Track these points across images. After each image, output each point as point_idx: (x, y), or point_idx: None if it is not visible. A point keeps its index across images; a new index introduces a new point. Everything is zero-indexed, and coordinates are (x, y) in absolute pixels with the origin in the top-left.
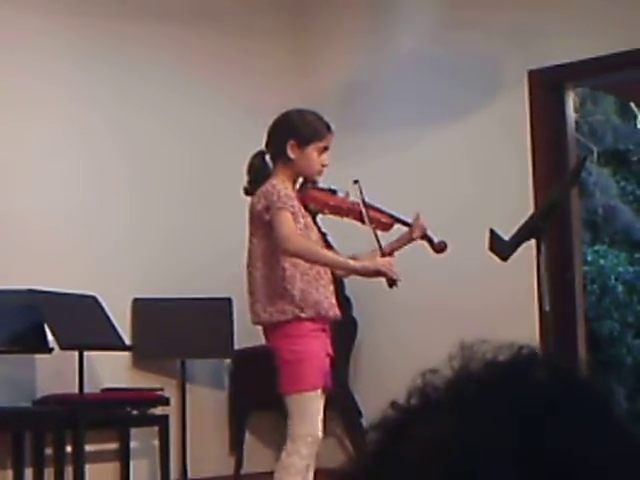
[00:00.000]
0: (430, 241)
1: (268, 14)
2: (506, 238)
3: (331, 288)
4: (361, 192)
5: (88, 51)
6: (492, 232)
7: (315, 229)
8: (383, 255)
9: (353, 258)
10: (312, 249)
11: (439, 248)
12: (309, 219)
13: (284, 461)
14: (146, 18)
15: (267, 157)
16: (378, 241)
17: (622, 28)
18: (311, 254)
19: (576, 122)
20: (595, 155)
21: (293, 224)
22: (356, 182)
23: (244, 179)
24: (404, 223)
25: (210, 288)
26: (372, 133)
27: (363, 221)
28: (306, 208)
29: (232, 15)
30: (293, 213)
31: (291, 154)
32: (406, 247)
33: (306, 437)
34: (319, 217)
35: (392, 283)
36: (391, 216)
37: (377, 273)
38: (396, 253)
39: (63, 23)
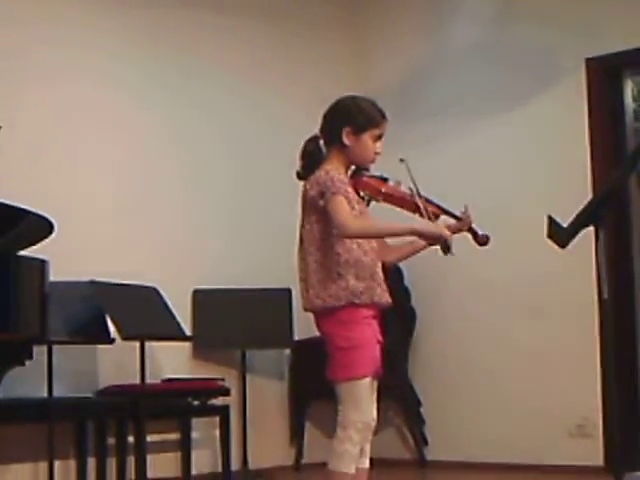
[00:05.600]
0: (475, 233)
1: (326, 6)
2: (564, 225)
3: (382, 275)
4: (409, 170)
5: (138, 47)
6: (550, 219)
7: (369, 216)
8: (428, 244)
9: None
10: (371, 227)
11: (482, 241)
12: (364, 205)
13: (337, 449)
14: (202, 15)
15: (321, 142)
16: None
17: None
18: (372, 231)
19: (635, 110)
20: None
21: (348, 207)
22: (402, 161)
23: (297, 164)
24: (452, 215)
25: (270, 279)
26: (430, 122)
27: (415, 210)
28: (358, 195)
29: (290, 9)
30: (347, 198)
31: (346, 141)
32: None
33: (357, 423)
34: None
35: (447, 250)
36: (439, 207)
37: (435, 236)
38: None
39: (119, 22)
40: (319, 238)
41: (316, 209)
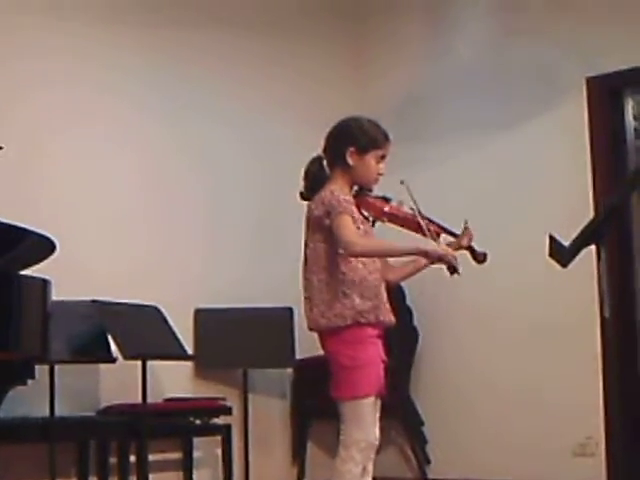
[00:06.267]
0: (473, 251)
1: (327, 23)
2: (566, 244)
3: (385, 294)
4: (410, 191)
5: (151, 62)
6: (552, 238)
7: (374, 236)
8: (427, 264)
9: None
10: (377, 245)
11: (480, 258)
12: (369, 225)
13: (340, 468)
14: (207, 27)
15: (324, 163)
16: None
17: None
18: (379, 250)
19: (635, 129)
20: None
21: (354, 227)
22: (402, 182)
23: (300, 185)
24: (451, 234)
25: (272, 298)
26: (429, 142)
27: (417, 229)
28: (362, 215)
29: (292, 24)
30: (353, 218)
31: (350, 161)
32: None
33: (360, 442)
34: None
35: (453, 271)
36: (440, 226)
37: (441, 257)
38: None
39: (126, 35)
40: (324, 257)
41: (321, 229)
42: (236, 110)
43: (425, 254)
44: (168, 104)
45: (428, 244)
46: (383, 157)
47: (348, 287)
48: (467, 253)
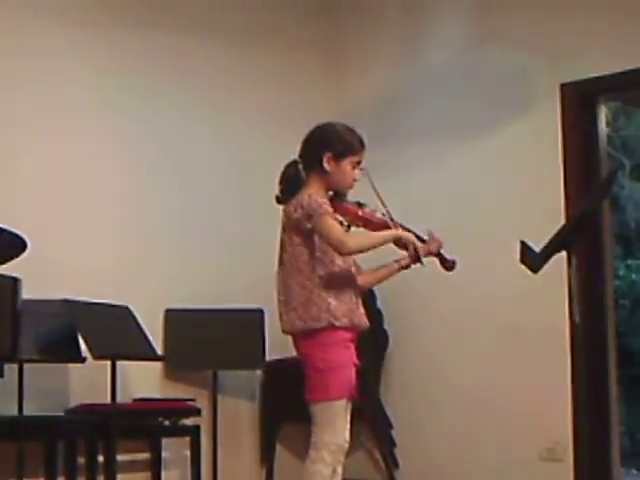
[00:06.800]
0: (442, 258)
1: (301, 25)
2: (537, 250)
3: (359, 298)
4: (371, 180)
5: (128, 63)
6: (523, 244)
7: None
8: (401, 267)
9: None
10: (365, 239)
11: (449, 265)
12: (345, 229)
13: (310, 469)
14: (182, 30)
15: (300, 167)
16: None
17: None
18: (367, 243)
19: (608, 136)
20: (628, 169)
21: (339, 225)
22: (362, 170)
23: (276, 188)
24: (420, 239)
25: (242, 299)
26: (403, 145)
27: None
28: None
29: (266, 26)
30: (335, 219)
31: (327, 166)
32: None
33: (330, 445)
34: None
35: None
36: (409, 231)
37: (411, 241)
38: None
39: (103, 35)
40: (302, 260)
41: (300, 232)
42: (212, 112)
43: (399, 238)
44: (144, 105)
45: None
46: (359, 163)
47: (324, 290)
48: (436, 260)
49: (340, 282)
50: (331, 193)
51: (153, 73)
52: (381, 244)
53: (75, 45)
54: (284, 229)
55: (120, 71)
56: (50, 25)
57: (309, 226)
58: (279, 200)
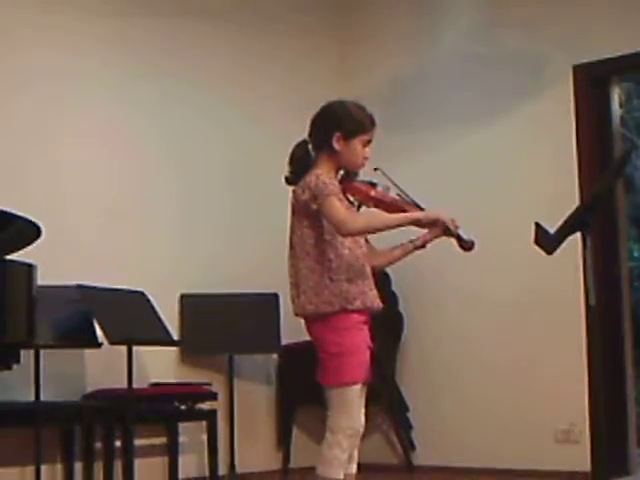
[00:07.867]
0: (460, 239)
1: (312, 13)
2: (551, 231)
3: (372, 279)
4: (387, 176)
5: (131, 53)
6: (537, 225)
7: None
8: (416, 248)
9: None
10: (373, 220)
11: (467, 246)
12: (354, 210)
13: (326, 454)
14: (188, 19)
15: (309, 147)
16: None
17: None
18: (376, 224)
19: (621, 117)
20: None
21: (343, 207)
22: (377, 170)
23: (286, 169)
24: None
25: (257, 284)
26: (416, 132)
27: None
28: (348, 200)
29: (276, 15)
30: (340, 200)
31: (336, 146)
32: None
33: (346, 429)
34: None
35: (450, 232)
36: (423, 210)
37: (434, 220)
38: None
39: (106, 25)
40: (311, 243)
41: (308, 214)
42: (218, 101)
43: (419, 221)
44: (148, 95)
45: (421, 212)
46: (369, 141)
47: (335, 273)
48: (454, 241)
49: (351, 264)
50: (342, 173)
51: (159, 62)
52: (393, 227)
53: (73, 36)
54: (293, 212)
55: (124, 60)
56: (53, 18)
57: (315, 207)
58: (288, 181)
